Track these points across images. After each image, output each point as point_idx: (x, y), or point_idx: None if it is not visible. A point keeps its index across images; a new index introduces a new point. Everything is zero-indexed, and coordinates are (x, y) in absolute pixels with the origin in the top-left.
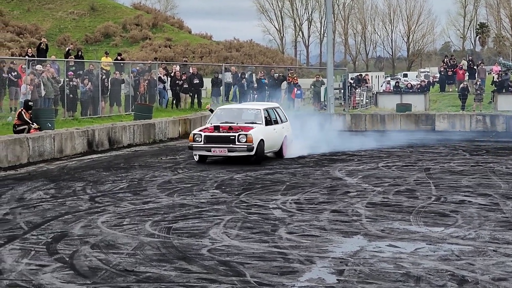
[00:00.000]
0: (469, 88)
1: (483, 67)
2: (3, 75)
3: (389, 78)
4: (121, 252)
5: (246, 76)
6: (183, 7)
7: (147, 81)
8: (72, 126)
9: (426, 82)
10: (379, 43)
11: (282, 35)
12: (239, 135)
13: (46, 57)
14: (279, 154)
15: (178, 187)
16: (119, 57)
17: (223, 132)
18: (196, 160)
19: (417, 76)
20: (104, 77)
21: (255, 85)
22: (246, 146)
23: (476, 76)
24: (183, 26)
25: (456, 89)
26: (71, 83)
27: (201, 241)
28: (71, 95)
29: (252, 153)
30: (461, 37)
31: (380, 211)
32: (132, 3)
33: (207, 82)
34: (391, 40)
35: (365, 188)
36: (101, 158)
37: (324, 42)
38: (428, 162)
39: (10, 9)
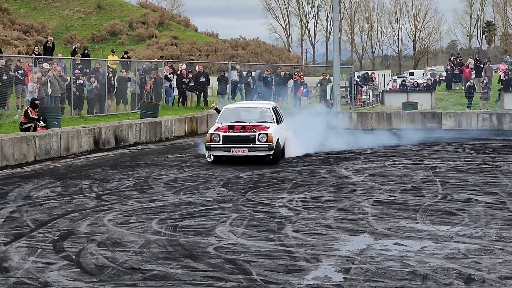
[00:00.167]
0: (475, 86)
1: (490, 65)
2: (10, 73)
3: (395, 77)
4: (128, 250)
5: (252, 75)
6: (190, 5)
7: (153, 79)
8: (79, 124)
9: (432, 81)
10: (385, 41)
11: (288, 33)
12: (259, 134)
13: (52, 55)
14: (282, 154)
15: (184, 185)
16: (125, 55)
17: (241, 132)
18: (210, 160)
19: (423, 75)
20: (110, 75)
21: (262, 83)
22: (267, 145)
23: (483, 75)
24: (189, 24)
25: (463, 88)
26: (77, 81)
27: (207, 239)
28: (77, 93)
29: (271, 152)
30: (467, 36)
31: (387, 209)
32: (139, 1)
33: (214, 80)
34: (398, 38)
35: (372, 187)
36: (108, 156)
37: (330, 41)
38: (434, 160)
39: (17, 7)
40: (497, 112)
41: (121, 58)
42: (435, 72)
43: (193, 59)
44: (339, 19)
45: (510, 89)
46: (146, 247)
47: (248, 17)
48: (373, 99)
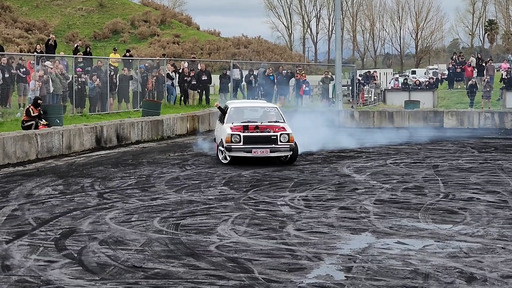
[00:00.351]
0: (477, 85)
1: (492, 64)
2: (12, 71)
3: (397, 75)
4: (130, 248)
5: (254, 73)
6: (192, 3)
7: (155, 78)
8: (81, 123)
9: (434, 79)
10: (387, 40)
11: (290, 31)
12: (281, 134)
13: (54, 54)
14: None
15: (186, 184)
16: (127, 54)
17: (258, 132)
18: (226, 162)
19: (425, 73)
20: (112, 73)
21: (263, 81)
22: (288, 146)
23: (485, 73)
24: (191, 22)
25: (465, 86)
26: (79, 79)
27: (209, 238)
28: (79, 92)
29: (291, 153)
30: (469, 34)
31: (388, 208)
32: None
33: (215, 78)
34: (400, 37)
35: (373, 185)
36: (109, 154)
37: (332, 39)
38: (436, 159)
39: (19, 5)
40: (499, 111)
41: (123, 56)
42: (437, 70)
43: (195, 58)
44: (341, 18)
45: None
46: (148, 246)
47: (250, 15)
48: (375, 97)
